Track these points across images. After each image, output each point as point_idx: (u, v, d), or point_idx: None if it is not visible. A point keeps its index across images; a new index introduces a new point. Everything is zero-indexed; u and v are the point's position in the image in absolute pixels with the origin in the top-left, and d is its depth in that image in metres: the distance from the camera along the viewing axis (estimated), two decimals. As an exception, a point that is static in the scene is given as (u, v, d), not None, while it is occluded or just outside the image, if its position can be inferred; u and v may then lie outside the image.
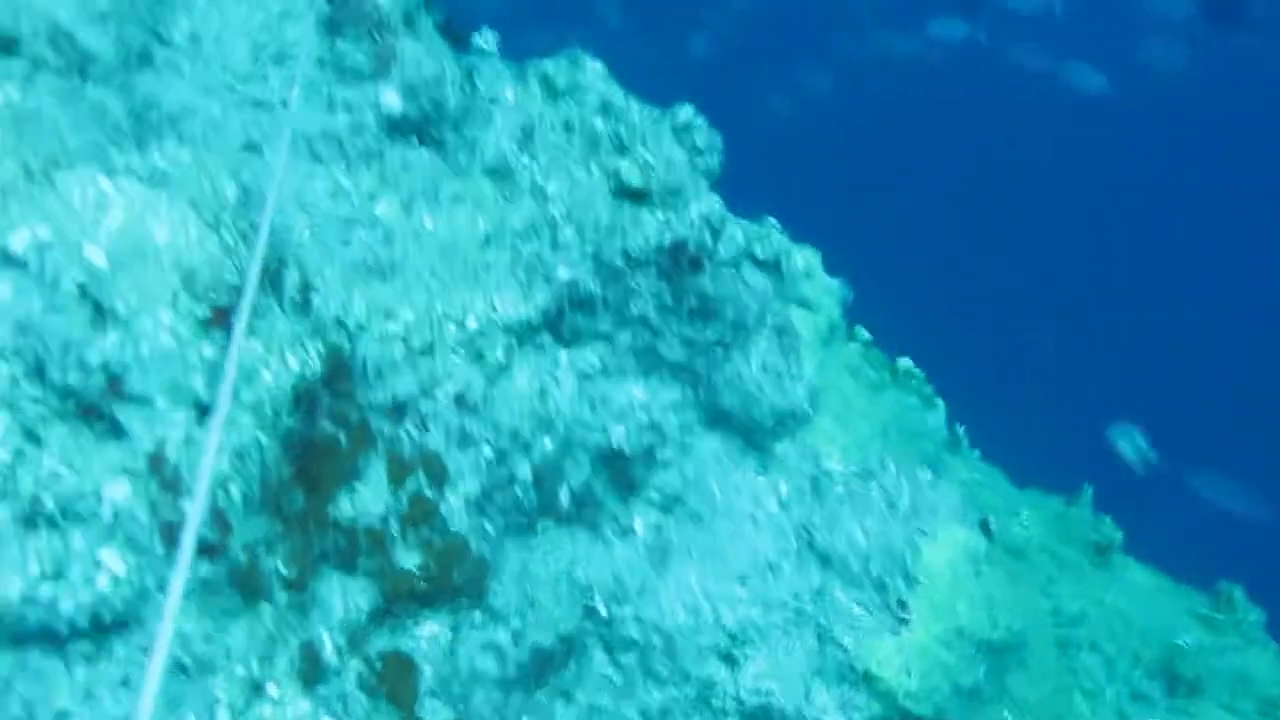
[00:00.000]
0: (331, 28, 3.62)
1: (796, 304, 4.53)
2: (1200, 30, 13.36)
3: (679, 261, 3.75)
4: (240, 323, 2.66)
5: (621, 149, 3.97)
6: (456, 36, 4.47)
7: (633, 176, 3.87)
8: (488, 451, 3.47)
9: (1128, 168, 22.14)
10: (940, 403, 5.91)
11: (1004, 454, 6.55)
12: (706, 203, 3.81)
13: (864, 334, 5.63)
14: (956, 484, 4.83)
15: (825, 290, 4.64)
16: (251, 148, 3.45)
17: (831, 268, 5.06)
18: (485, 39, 5.06)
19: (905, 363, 5.79)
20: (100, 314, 2.55)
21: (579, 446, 3.75)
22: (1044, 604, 5.22)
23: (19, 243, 2.53)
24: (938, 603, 3.87)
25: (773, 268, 4.58)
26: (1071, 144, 21.46)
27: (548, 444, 3.62)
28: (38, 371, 2.50)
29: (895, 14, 16.59)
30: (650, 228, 3.74)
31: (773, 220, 4.93)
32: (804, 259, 4.67)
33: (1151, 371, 18.07)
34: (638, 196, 3.88)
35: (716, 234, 3.83)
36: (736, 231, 4.61)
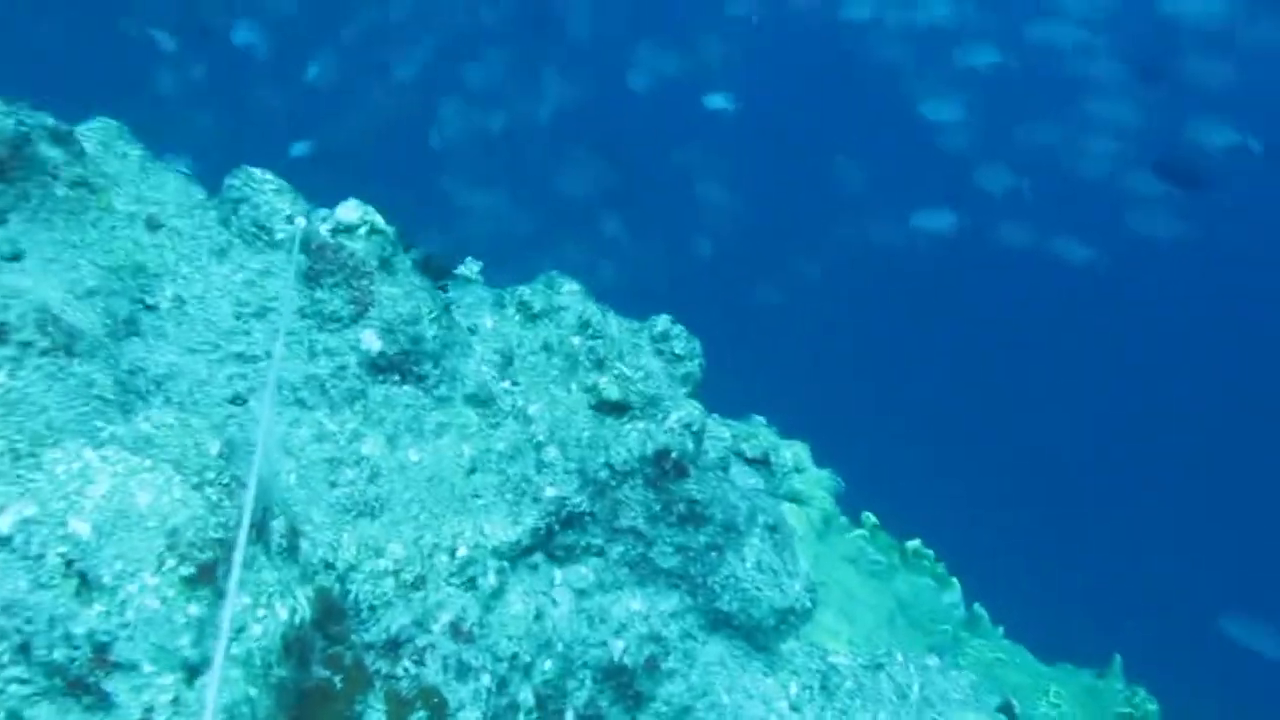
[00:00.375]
0: (311, 278, 3.79)
1: (788, 499, 4.55)
2: (1176, 197, 13.84)
3: (664, 469, 3.79)
4: (233, 580, 2.70)
5: (599, 365, 4.08)
6: (439, 270, 4.67)
7: (611, 390, 3.97)
8: (487, 680, 3.43)
9: (1122, 333, 22.48)
10: (955, 582, 5.84)
11: (1032, 630, 6.42)
12: (686, 409, 3.89)
13: (871, 519, 5.62)
14: (973, 666, 4.73)
15: (816, 482, 4.67)
16: (237, 401, 3.57)
17: (834, 456, 5.10)
18: (469, 268, 5.29)
19: (914, 544, 5.76)
20: (86, 584, 2.58)
21: (580, 664, 3.71)
22: (1084, 785, 5.01)
23: (4, 524, 2.59)
24: (963, 796, 3.73)
25: (762, 464, 4.63)
26: (1064, 314, 21.87)
27: (548, 665, 3.58)
28: (23, 650, 2.51)
29: (884, 205, 17.25)
30: (632, 439, 3.80)
31: (760, 418, 5.02)
32: (793, 453, 4.72)
33: (1170, 528, 17.88)
34: (618, 409, 3.96)
35: (698, 438, 3.88)
36: (723, 432, 4.69)
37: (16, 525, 2.59)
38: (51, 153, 3.80)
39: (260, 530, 3.04)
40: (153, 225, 3.83)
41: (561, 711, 3.66)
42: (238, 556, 2.72)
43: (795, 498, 4.53)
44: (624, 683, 3.79)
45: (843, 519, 5.07)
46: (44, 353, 3.05)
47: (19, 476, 2.67)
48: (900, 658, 4.07)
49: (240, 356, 3.65)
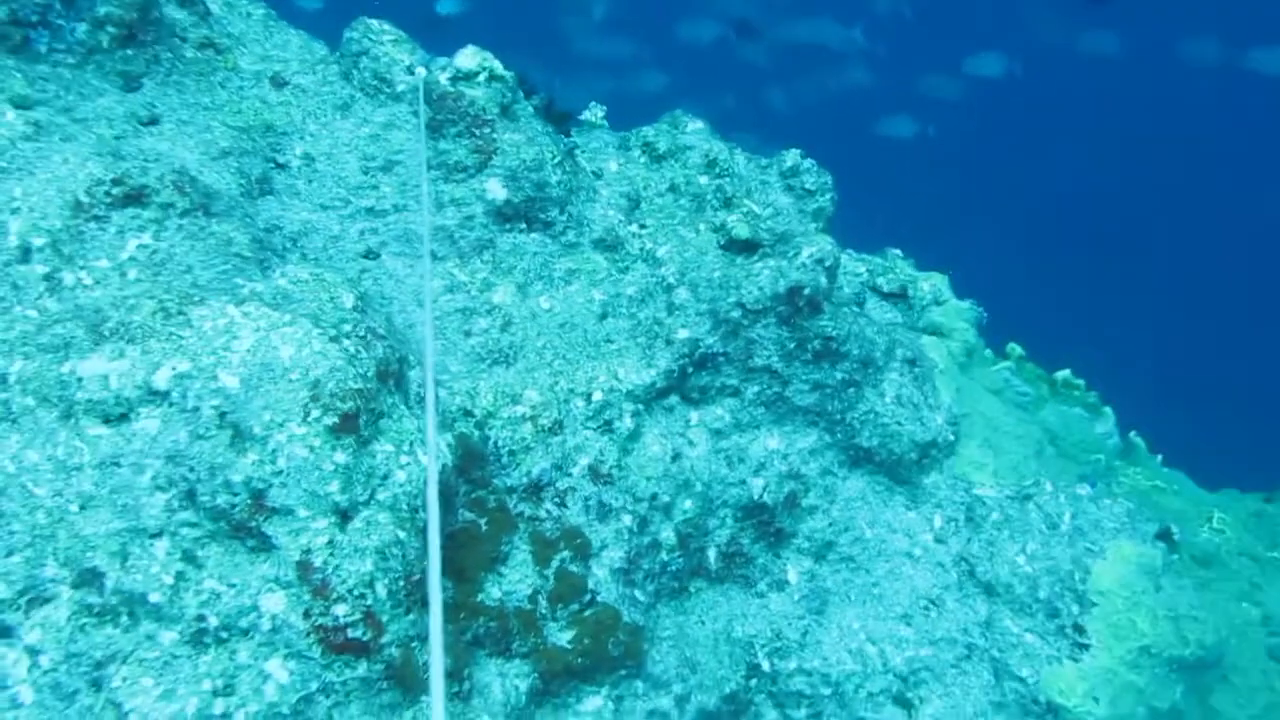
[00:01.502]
0: (434, 128, 3.77)
1: (928, 332, 4.42)
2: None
3: (797, 306, 3.71)
4: (430, 394, 2.80)
5: (727, 203, 3.98)
6: (560, 116, 4.59)
7: (740, 229, 3.87)
8: (628, 520, 3.49)
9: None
10: (1108, 411, 5.65)
11: (1196, 458, 6.17)
12: (818, 244, 3.77)
13: (1017, 350, 5.45)
14: (1129, 494, 4.60)
15: (957, 314, 4.51)
16: (369, 256, 3.62)
17: (975, 289, 4.92)
18: (594, 113, 5.20)
19: (1064, 374, 5.57)
20: (239, 435, 2.69)
21: (721, 504, 3.73)
22: (1250, 613, 4.88)
23: (162, 378, 2.71)
24: (1116, 623, 3.66)
25: (899, 298, 4.50)
26: (1252, 131, 20.29)
27: (688, 505, 3.62)
28: (189, 497, 2.65)
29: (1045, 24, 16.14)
30: (763, 277, 3.72)
31: (897, 252, 4.85)
32: (930, 285, 4.56)
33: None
34: (748, 248, 3.88)
35: (831, 273, 3.78)
36: (858, 267, 4.56)
37: (173, 380, 2.71)
38: (178, 14, 3.83)
39: (399, 380, 3.12)
40: (278, 83, 3.85)
41: (704, 549, 3.71)
42: (429, 400, 2.81)
43: (935, 330, 4.40)
44: (765, 520, 3.81)
45: (986, 352, 4.91)
46: (184, 213, 3.13)
47: (171, 334, 2.78)
48: (1049, 487, 3.98)
49: (370, 211, 3.68)
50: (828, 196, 4.49)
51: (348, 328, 2.94)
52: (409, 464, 2.93)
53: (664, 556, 3.57)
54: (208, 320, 2.82)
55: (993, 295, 4.84)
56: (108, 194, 3.01)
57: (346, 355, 2.87)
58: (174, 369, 2.74)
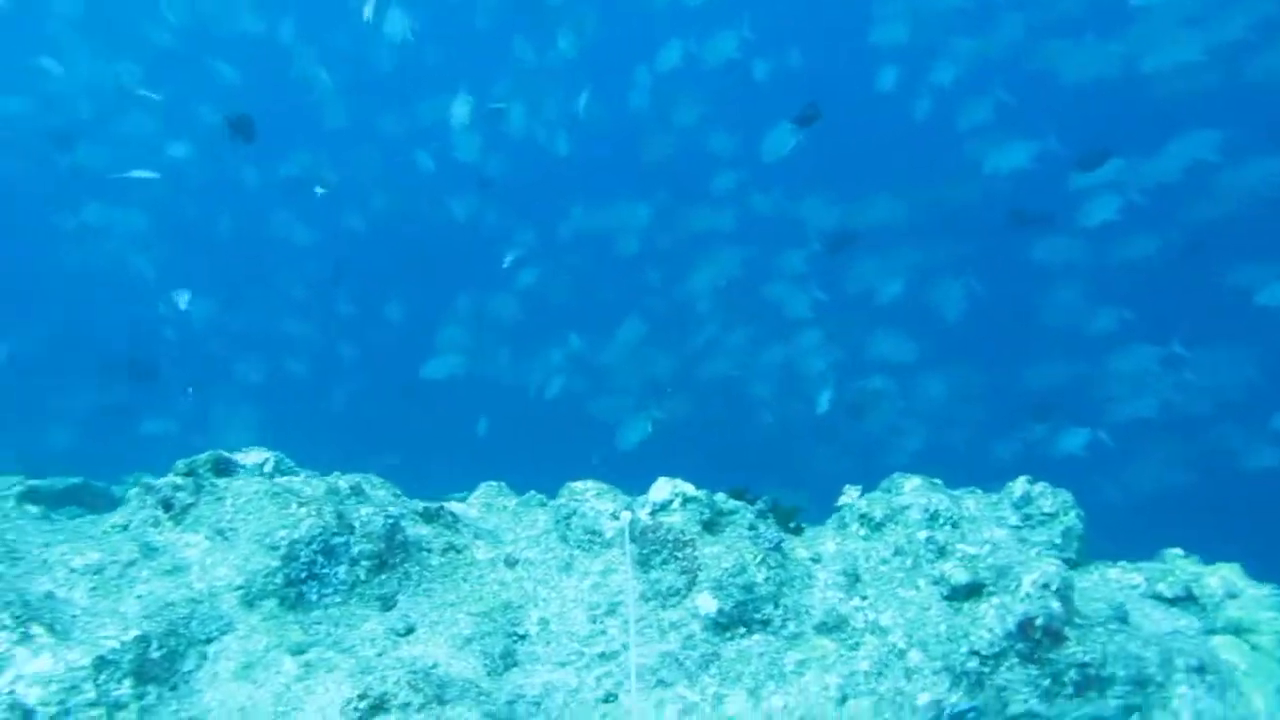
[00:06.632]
0: (642, 562, 4.02)
1: (1230, 632, 3.86)
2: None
3: (1035, 640, 3.44)
4: None
5: (941, 552, 3.87)
6: (787, 513, 4.73)
7: (958, 574, 3.72)
8: None
9: None
10: None
11: None
12: (1038, 569, 3.54)
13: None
14: None
15: (1257, 604, 3.93)
16: (608, 699, 3.77)
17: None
18: (849, 494, 5.31)
19: None
20: None
21: None
22: None
23: None
24: None
25: (1187, 601, 4.03)
26: None
27: None
28: None
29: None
30: (989, 618, 3.51)
31: (1176, 550, 4.40)
32: (1220, 579, 4.04)
33: None
34: (973, 592, 3.70)
35: (1064, 596, 3.50)
36: (1133, 577, 4.19)
37: None
38: (423, 530, 4.44)
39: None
40: (510, 563, 4.30)
41: None
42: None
43: (1236, 628, 3.83)
44: None
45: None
46: (420, 708, 3.47)
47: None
48: None
49: (603, 656, 3.88)
50: (1072, 514, 4.25)
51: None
52: None
53: None
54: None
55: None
56: (355, 709, 3.42)
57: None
58: None
